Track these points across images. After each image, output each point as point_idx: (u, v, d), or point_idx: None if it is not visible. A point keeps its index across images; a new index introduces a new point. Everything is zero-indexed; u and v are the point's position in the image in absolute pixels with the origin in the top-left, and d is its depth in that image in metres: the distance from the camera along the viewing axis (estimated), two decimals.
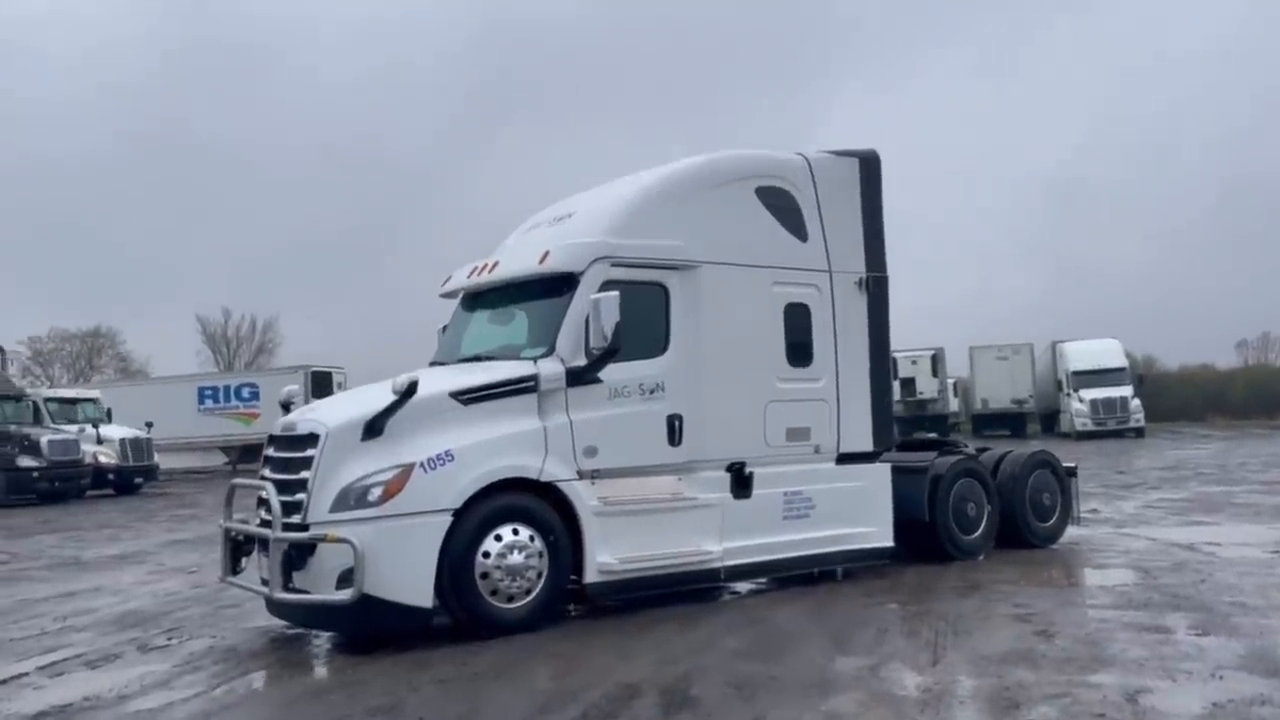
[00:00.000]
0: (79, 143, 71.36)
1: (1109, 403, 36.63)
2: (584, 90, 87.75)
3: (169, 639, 7.51)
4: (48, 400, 27.46)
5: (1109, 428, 36.39)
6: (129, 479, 26.32)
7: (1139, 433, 36.55)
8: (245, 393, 36.50)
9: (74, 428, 25.57)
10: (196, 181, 73.42)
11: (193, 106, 76.26)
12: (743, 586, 8.64)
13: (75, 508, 21.93)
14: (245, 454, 33.41)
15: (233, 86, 76.95)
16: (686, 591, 7.95)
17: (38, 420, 25.77)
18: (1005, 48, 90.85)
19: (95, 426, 26.13)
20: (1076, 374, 37.94)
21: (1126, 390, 36.92)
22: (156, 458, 27.60)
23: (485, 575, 6.92)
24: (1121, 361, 38.21)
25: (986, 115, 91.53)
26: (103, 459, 25.58)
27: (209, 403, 36.66)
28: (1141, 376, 39.96)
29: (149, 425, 27.51)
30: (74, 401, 28.07)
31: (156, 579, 10.63)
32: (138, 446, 26.70)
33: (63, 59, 73.03)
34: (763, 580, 8.68)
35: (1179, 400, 49.52)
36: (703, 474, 8.09)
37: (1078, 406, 37.14)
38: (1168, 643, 6.18)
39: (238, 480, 8.29)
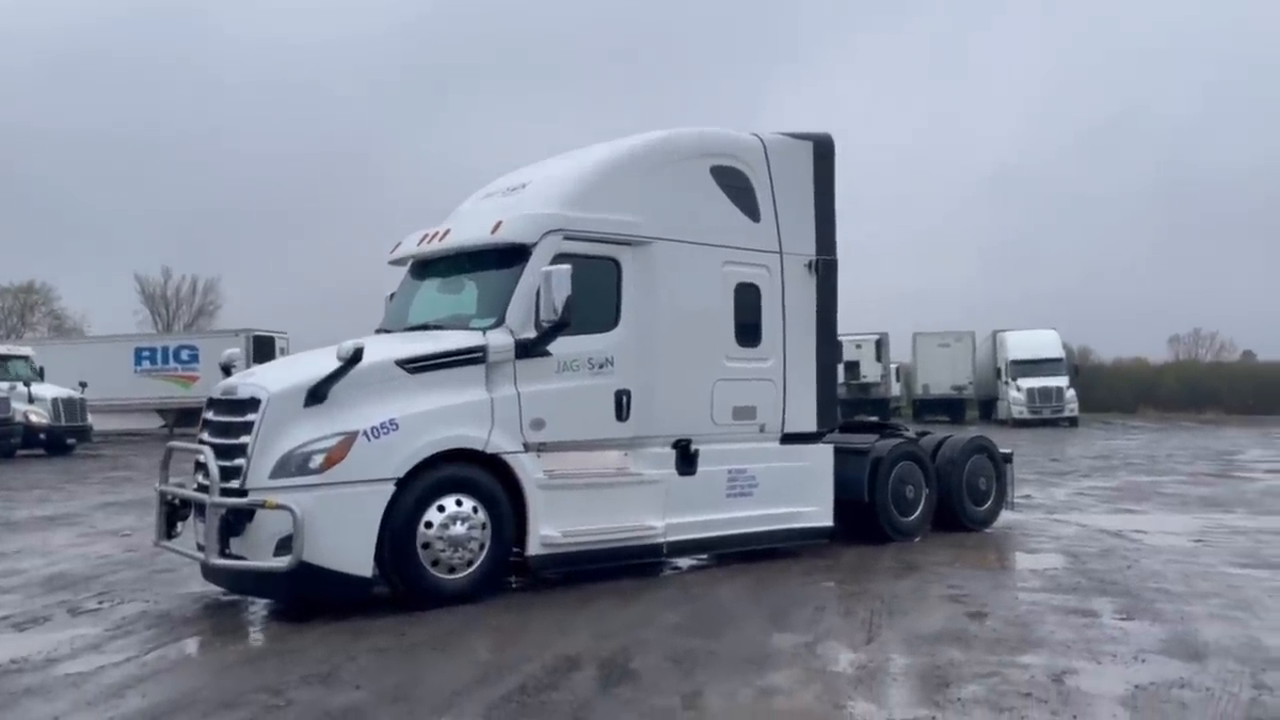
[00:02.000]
0: (21, 96, 68.94)
1: (1045, 392, 37.41)
2: (534, 61, 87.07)
3: (100, 602, 7.37)
4: None
5: (1044, 416, 37.18)
6: (61, 440, 25.66)
7: (1073, 422, 37.40)
8: (184, 355, 35.69)
9: (4, 385, 24.83)
10: (139, 139, 71.54)
11: (138, 62, 74.11)
12: (684, 562, 8.71)
13: (4, 467, 21.35)
14: (183, 417, 32.75)
15: (179, 49, 75.03)
16: (628, 566, 7.99)
17: None
18: (951, 37, 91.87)
19: (26, 385, 25.37)
20: (1015, 363, 38.70)
21: (1062, 380, 37.73)
22: (90, 419, 26.94)
23: (427, 545, 6.89)
24: (1059, 352, 39.00)
25: (932, 104, 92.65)
26: (34, 418, 24.90)
27: (146, 364, 35.79)
28: (1077, 367, 40.83)
29: (83, 385, 26.81)
30: (5, 359, 27.18)
31: (88, 541, 10.41)
32: (71, 406, 26.02)
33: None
34: (704, 556, 8.75)
35: (1112, 392, 50.70)
36: (649, 450, 8.11)
37: (1015, 395, 37.89)
38: (1094, 626, 6.37)
39: (175, 443, 8.14)
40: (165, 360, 35.84)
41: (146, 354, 36.12)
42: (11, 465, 22.11)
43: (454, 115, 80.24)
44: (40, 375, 26.71)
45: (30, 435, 24.67)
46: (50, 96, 71.98)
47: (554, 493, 7.47)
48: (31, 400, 25.11)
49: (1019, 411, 37.42)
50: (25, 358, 27.54)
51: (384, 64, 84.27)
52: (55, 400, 25.67)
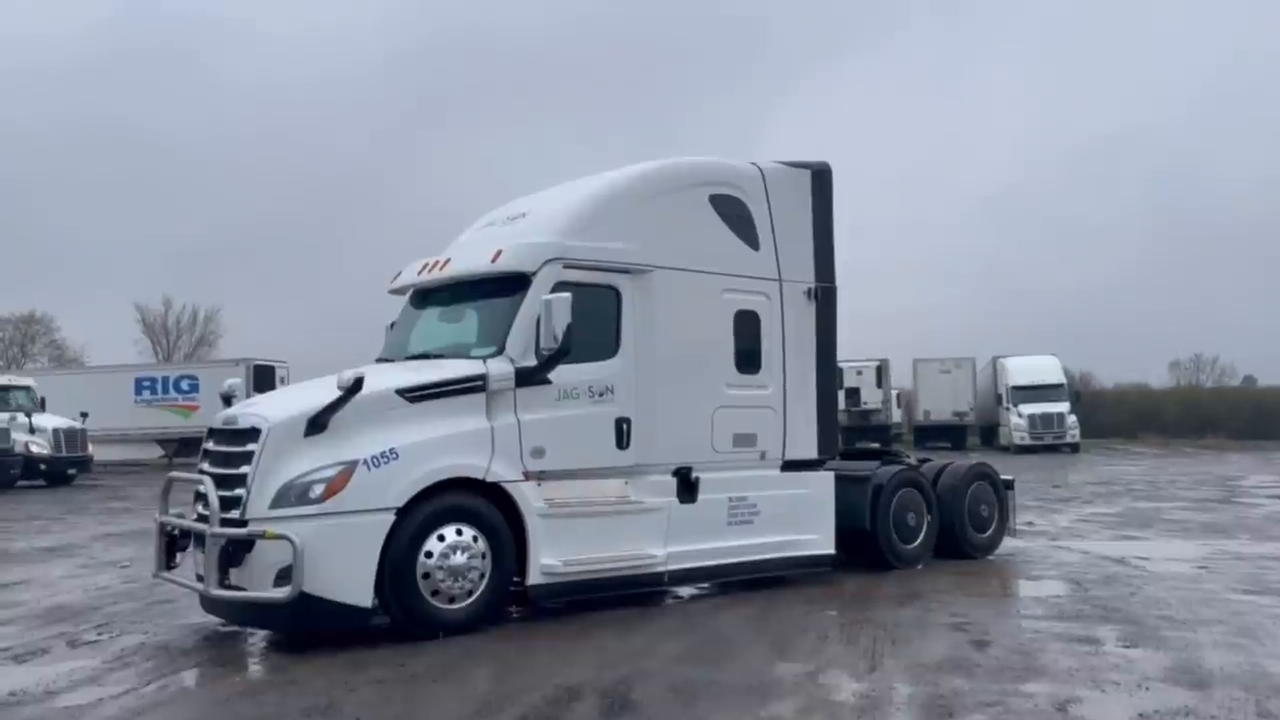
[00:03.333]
0: (19, 124, 69.43)
1: (1046, 418, 37.39)
2: (529, 94, 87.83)
3: (99, 634, 7.33)
4: None
5: (1046, 442, 37.15)
6: (62, 470, 25.64)
7: (1074, 448, 37.34)
8: (184, 385, 35.70)
9: (4, 416, 24.82)
10: (140, 170, 72.03)
11: (136, 97, 74.75)
12: (685, 591, 8.67)
13: (4, 498, 21.30)
14: (183, 447, 32.70)
15: (177, 80, 75.75)
16: (629, 595, 7.95)
17: None
18: (949, 62, 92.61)
19: (28, 415, 25.39)
20: (1016, 389, 38.69)
21: (1064, 406, 37.72)
22: (91, 449, 26.91)
23: (427, 575, 6.86)
24: (1060, 378, 39.03)
25: (927, 128, 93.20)
26: (35, 449, 24.90)
27: (146, 394, 35.81)
28: (1078, 393, 40.84)
29: (84, 415, 26.82)
30: (6, 389, 27.19)
31: (88, 573, 10.37)
32: (71, 437, 26.02)
33: (5, 39, 71.07)
34: (706, 585, 8.72)
35: (1113, 418, 50.65)
36: (649, 478, 8.10)
37: (1016, 421, 37.87)
38: (1097, 654, 6.33)
39: (175, 474, 8.13)
40: (165, 390, 35.85)
41: (147, 384, 36.14)
42: (11, 496, 22.07)
43: (452, 145, 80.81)
44: (42, 406, 26.72)
45: (31, 466, 24.65)
46: (49, 130, 72.44)
47: (554, 521, 7.45)
48: (33, 431, 25.11)
49: (1020, 438, 37.38)
50: (27, 388, 27.56)
51: (383, 95, 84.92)
52: (56, 430, 25.67)
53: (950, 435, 42.21)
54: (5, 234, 68.22)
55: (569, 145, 70.96)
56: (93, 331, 65.59)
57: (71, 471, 26.03)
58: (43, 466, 25.14)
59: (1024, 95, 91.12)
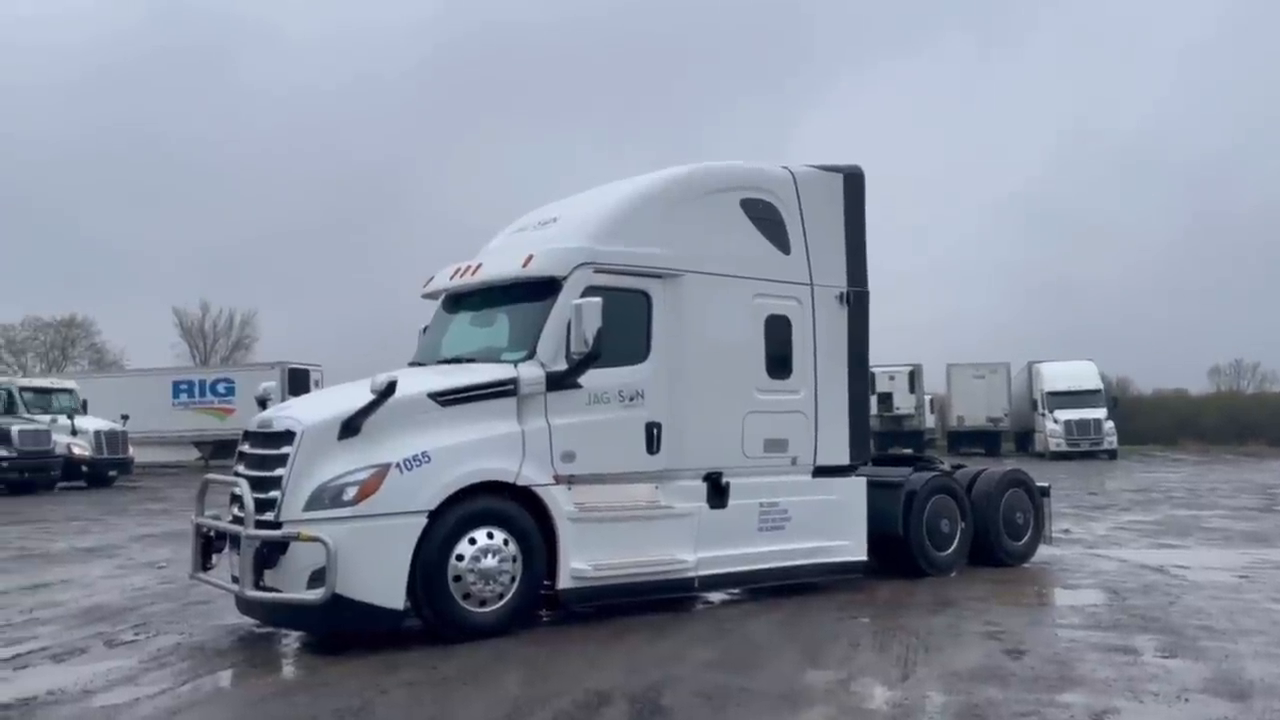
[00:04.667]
0: (57, 133, 70.72)
1: (1083, 424, 36.90)
2: (558, 96, 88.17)
3: (136, 634, 7.43)
4: (23, 389, 27.09)
5: (1082, 449, 36.65)
6: (103, 472, 26.06)
7: (1112, 455, 36.84)
8: (221, 388, 36.19)
9: (45, 418, 25.26)
10: (174, 176, 73.03)
11: (167, 104, 75.78)
12: (716, 596, 8.64)
13: (45, 499, 21.68)
14: (219, 450, 33.11)
15: (210, 86, 76.76)
16: (659, 600, 7.94)
17: (12, 409, 25.47)
18: (981, 63, 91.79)
19: (70, 418, 25.85)
20: (1052, 395, 38.22)
21: (1100, 412, 37.21)
22: (132, 451, 27.34)
23: (458, 578, 6.89)
24: (1096, 384, 38.52)
25: (960, 129, 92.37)
26: (77, 450, 25.32)
27: (184, 397, 36.32)
28: (1115, 399, 40.27)
29: (124, 418, 27.24)
30: (49, 391, 27.71)
31: (125, 573, 10.52)
32: (113, 439, 26.44)
33: (41, 51, 72.49)
34: (736, 591, 8.68)
35: (1151, 424, 49.87)
36: (679, 482, 8.09)
37: (1052, 427, 37.40)
38: (1135, 664, 6.23)
39: (211, 476, 8.22)
40: (202, 393, 36.35)
41: (184, 387, 36.67)
42: (52, 497, 22.46)
43: (482, 148, 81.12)
44: (84, 408, 27.18)
45: (73, 468, 25.07)
46: (84, 138, 73.68)
47: (585, 525, 7.46)
48: (75, 433, 25.53)
49: (1056, 444, 36.90)
50: (70, 391, 28.05)
51: (413, 98, 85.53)
52: (98, 433, 26.11)
53: (984, 441, 41.82)
54: (46, 240, 69.69)
55: (597, 149, 71.21)
56: (131, 335, 66.65)
57: (112, 473, 26.44)
58: (84, 468, 25.55)
59: (1058, 95, 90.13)
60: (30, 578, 10.20)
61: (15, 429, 23.37)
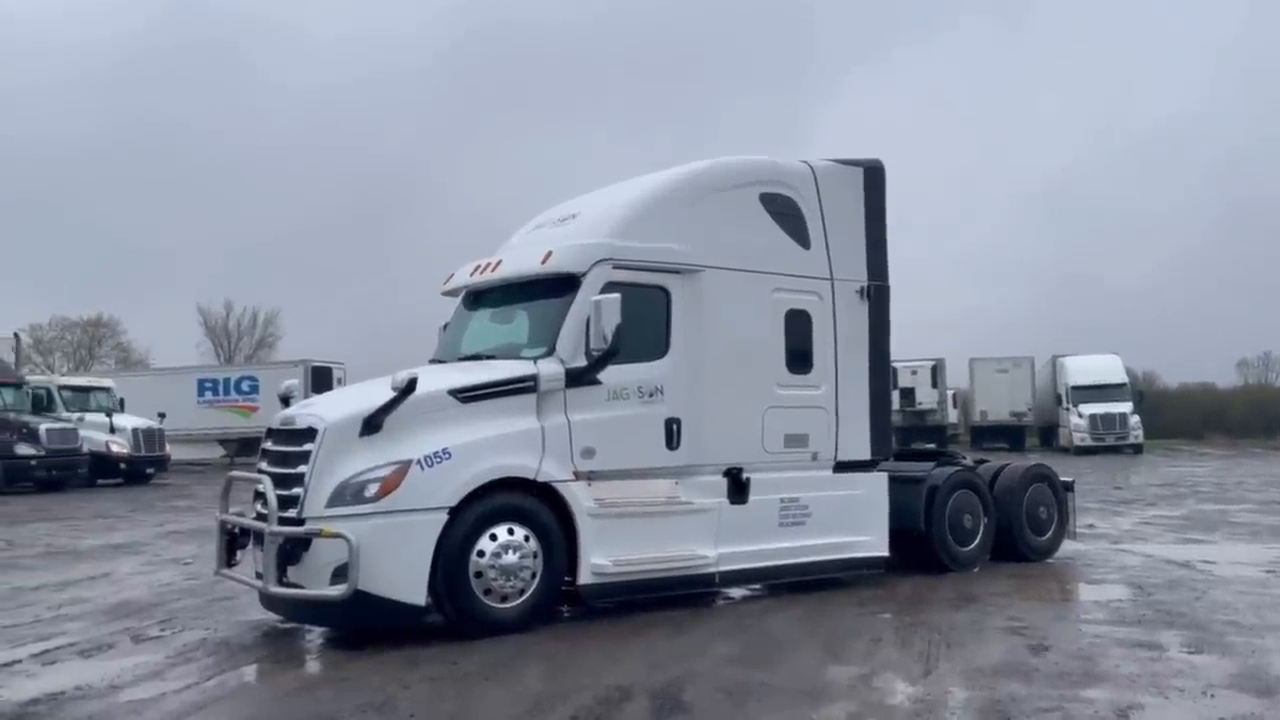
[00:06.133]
0: (81, 131, 71.47)
1: (1108, 418, 36.62)
2: (575, 92, 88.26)
3: (162, 630, 7.51)
4: (61, 388, 27.42)
5: (1107, 443, 36.38)
6: (141, 469, 26.37)
7: (1137, 449, 36.53)
8: (245, 386, 36.49)
9: (73, 416, 25.56)
10: (196, 175, 73.76)
11: (188, 101, 76.49)
12: (736, 592, 8.64)
13: (73, 496, 21.93)
14: (243, 447, 33.40)
15: (230, 83, 77.34)
16: (680, 595, 7.94)
17: (50, 407, 25.80)
18: (1000, 53, 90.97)
19: (108, 415, 26.18)
20: (1076, 389, 37.93)
21: (1126, 406, 36.90)
22: (168, 448, 27.67)
23: (479, 574, 6.92)
24: (1122, 377, 38.21)
25: (983, 121, 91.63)
26: (115, 448, 25.64)
27: (208, 395, 36.64)
28: (1141, 393, 39.92)
29: (161, 416, 27.53)
30: (87, 390, 28.06)
31: (151, 570, 10.63)
32: (150, 436, 26.77)
33: (64, 49, 73.27)
34: (756, 586, 8.67)
35: (1178, 418, 49.42)
36: (700, 478, 8.08)
37: (1077, 421, 37.12)
38: (1160, 660, 6.18)
39: (235, 473, 8.29)
40: (226, 391, 36.66)
41: (209, 385, 36.99)
42: (83, 494, 22.71)
43: (500, 144, 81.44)
44: (121, 406, 27.50)
45: (111, 465, 25.41)
46: (107, 135, 74.41)
47: (605, 521, 7.47)
48: (113, 430, 25.85)
49: (1081, 438, 36.64)
50: (107, 389, 28.39)
51: (432, 94, 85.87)
52: (136, 430, 26.46)
53: (1008, 436, 41.56)
54: (73, 240, 70.46)
55: (614, 143, 71.26)
56: (157, 334, 67.48)
57: (150, 470, 26.75)
58: (123, 466, 25.86)
59: (1079, 83, 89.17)
60: (59, 574, 10.32)
61: (43, 427, 23.66)
